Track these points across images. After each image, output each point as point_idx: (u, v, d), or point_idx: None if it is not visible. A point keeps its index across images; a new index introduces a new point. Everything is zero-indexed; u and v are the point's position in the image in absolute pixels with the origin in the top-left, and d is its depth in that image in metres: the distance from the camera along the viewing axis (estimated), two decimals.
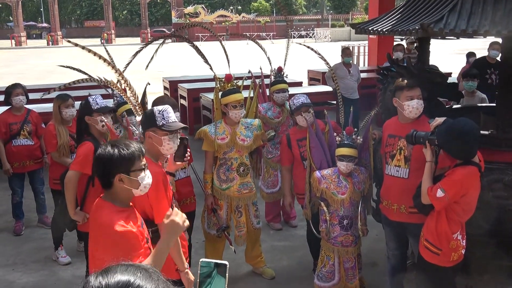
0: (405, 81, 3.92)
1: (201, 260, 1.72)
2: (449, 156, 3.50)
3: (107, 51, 5.73)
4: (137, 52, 4.41)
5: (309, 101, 4.90)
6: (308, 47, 5.46)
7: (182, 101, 11.30)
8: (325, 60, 5.08)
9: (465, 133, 3.33)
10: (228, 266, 1.70)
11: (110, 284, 1.26)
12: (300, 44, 5.85)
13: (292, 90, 7.57)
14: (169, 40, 52.70)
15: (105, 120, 4.42)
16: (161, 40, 4.61)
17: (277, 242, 5.84)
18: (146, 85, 4.89)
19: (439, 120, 3.54)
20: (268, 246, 5.63)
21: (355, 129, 4.35)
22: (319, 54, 5.05)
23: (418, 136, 3.59)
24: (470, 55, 9.83)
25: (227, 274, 1.69)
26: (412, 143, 3.67)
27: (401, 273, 4.37)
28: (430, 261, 3.57)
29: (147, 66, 4.49)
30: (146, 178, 2.77)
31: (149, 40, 4.69)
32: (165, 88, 12.91)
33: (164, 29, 55.98)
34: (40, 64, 29.26)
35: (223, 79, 4.67)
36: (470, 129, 3.36)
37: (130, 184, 2.69)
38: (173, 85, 11.94)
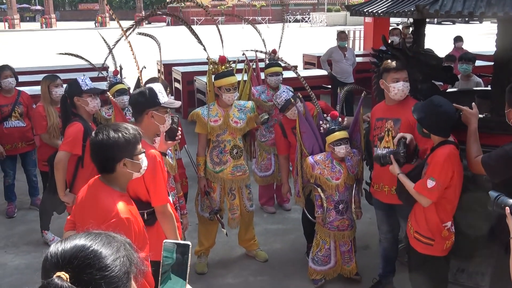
0: (393, 63, 3.93)
1: (164, 241, 1.70)
2: (424, 140, 3.56)
3: (103, 37, 5.70)
4: (126, 30, 4.34)
5: (290, 93, 4.89)
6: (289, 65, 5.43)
7: (177, 85, 11.23)
8: (286, 62, 5.06)
9: (442, 107, 3.39)
10: (190, 246, 1.69)
11: (65, 249, 1.33)
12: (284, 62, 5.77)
13: (286, 74, 7.53)
14: (164, 24, 52.34)
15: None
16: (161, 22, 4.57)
17: (271, 225, 5.84)
18: (142, 68, 4.85)
19: (400, 135, 3.67)
20: (262, 229, 5.63)
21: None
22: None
23: (384, 155, 3.66)
24: (458, 39, 9.79)
25: (189, 254, 1.67)
26: (382, 164, 3.71)
27: (393, 256, 4.38)
28: (424, 253, 3.54)
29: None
30: (145, 160, 2.77)
31: (139, 19, 4.65)
32: (159, 71, 12.82)
33: (159, 12, 55.39)
34: (33, 46, 28.99)
35: (217, 61, 4.62)
36: (446, 103, 3.42)
37: (132, 167, 2.67)
38: (167, 69, 11.84)
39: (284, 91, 4.94)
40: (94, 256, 1.32)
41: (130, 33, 4.34)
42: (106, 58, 5.52)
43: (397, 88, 3.89)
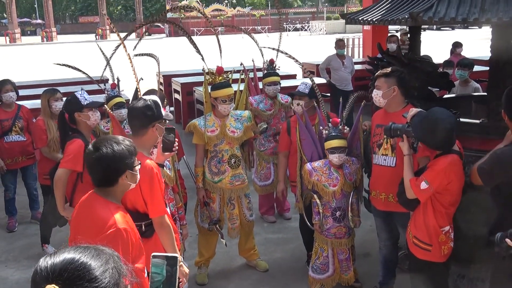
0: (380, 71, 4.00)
1: (152, 255, 1.71)
2: (428, 148, 3.50)
3: (102, 51, 5.74)
4: (125, 37, 4.37)
5: (306, 91, 4.90)
6: (281, 51, 5.39)
7: (176, 96, 11.26)
8: (296, 59, 5.05)
9: (439, 124, 3.31)
10: (178, 258, 1.69)
11: (55, 262, 1.36)
12: (272, 48, 5.68)
13: (284, 83, 7.55)
14: (164, 35, 52.48)
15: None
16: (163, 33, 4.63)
17: (271, 234, 5.83)
18: (139, 80, 4.87)
19: (414, 111, 3.54)
20: (262, 239, 5.62)
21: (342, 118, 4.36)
22: (289, 55, 5.03)
23: (395, 128, 3.58)
24: (457, 45, 9.81)
25: (178, 266, 1.68)
26: (390, 136, 3.67)
27: (394, 263, 4.37)
28: (422, 258, 3.54)
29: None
30: (139, 171, 2.78)
31: (139, 25, 4.73)
32: (161, 83, 12.86)
33: (159, 24, 55.82)
34: (34, 60, 29.11)
35: (214, 72, 4.65)
36: (444, 119, 3.33)
37: (132, 179, 2.70)
38: (166, 80, 11.89)
39: (303, 84, 5.01)
40: (84, 268, 1.35)
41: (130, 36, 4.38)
42: (104, 70, 5.54)
43: (373, 95, 3.99)
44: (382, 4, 4.52)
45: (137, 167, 2.73)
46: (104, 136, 2.90)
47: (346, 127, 4.31)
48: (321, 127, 4.44)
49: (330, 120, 4.39)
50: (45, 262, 1.37)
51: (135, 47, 4.46)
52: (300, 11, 68.90)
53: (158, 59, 5.23)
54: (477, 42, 24.26)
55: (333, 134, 4.21)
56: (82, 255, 1.38)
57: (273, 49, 5.70)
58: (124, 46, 4.23)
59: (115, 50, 4.92)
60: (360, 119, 4.42)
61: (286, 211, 6.28)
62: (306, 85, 4.96)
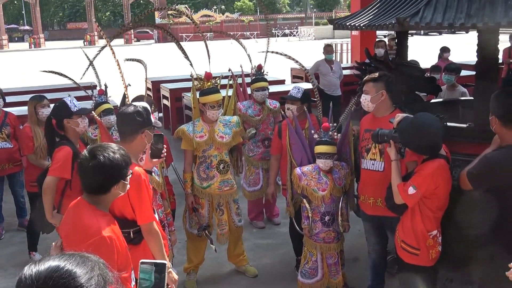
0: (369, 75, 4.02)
1: (140, 262, 1.70)
2: (415, 152, 3.52)
3: (86, 55, 5.71)
4: (111, 39, 4.37)
5: (298, 96, 4.91)
6: (278, 52, 5.39)
7: (165, 101, 11.24)
8: (296, 61, 5.04)
9: (425, 129, 3.32)
10: (167, 264, 1.69)
11: (40, 270, 1.35)
12: (274, 52, 5.68)
13: (273, 88, 7.57)
14: (153, 41, 52.39)
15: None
16: (152, 39, 4.62)
17: (260, 240, 5.82)
18: (127, 86, 4.86)
19: (400, 116, 3.55)
20: (251, 244, 5.61)
21: (334, 124, 4.35)
22: (288, 56, 5.03)
23: (382, 134, 3.60)
24: (444, 50, 9.88)
25: (166, 272, 1.68)
26: (378, 142, 3.69)
27: (382, 268, 4.38)
28: (410, 262, 3.56)
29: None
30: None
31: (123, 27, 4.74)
32: (147, 88, 12.84)
33: (147, 30, 55.81)
34: (22, 67, 28.92)
35: (203, 78, 4.64)
36: (430, 123, 3.34)
37: (122, 189, 2.68)
38: (155, 85, 11.88)
39: (295, 88, 5.02)
40: (69, 276, 1.34)
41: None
42: (85, 71, 5.52)
43: (361, 99, 4.01)
44: (369, 10, 4.54)
45: (129, 177, 2.72)
46: (99, 144, 2.84)
47: (336, 132, 4.31)
48: (312, 131, 4.44)
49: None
50: (30, 270, 1.36)
51: (112, 38, 4.42)
52: (288, 16, 69.14)
53: (145, 65, 5.22)
54: (465, 47, 24.46)
55: (322, 139, 4.22)
56: (67, 262, 1.37)
57: (272, 52, 5.72)
58: (112, 50, 4.21)
59: (99, 51, 4.91)
60: (350, 124, 4.43)
61: (275, 216, 6.27)
62: (298, 89, 4.97)
